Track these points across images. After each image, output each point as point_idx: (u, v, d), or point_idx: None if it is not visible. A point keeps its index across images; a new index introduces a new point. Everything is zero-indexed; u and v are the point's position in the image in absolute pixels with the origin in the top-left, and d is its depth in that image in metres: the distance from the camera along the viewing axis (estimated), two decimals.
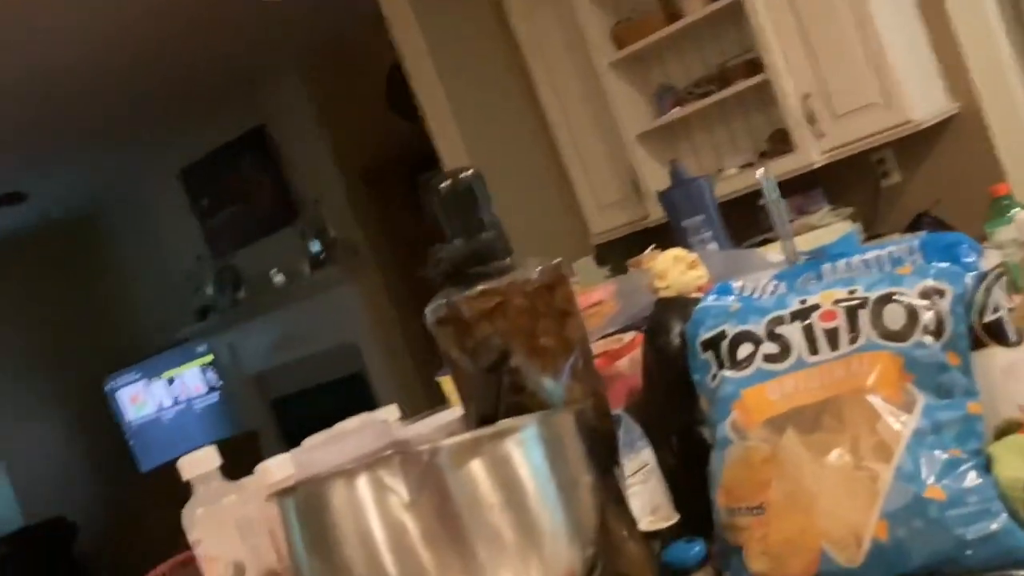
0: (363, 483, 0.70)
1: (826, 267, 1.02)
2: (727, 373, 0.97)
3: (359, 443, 0.90)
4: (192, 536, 0.81)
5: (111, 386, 7.72)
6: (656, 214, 3.47)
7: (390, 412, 1.07)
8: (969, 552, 0.81)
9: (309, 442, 0.93)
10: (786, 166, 3.19)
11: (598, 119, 3.65)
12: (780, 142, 3.31)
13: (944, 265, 0.93)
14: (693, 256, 1.14)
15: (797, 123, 3.14)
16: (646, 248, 1.85)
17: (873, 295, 0.92)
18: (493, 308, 0.88)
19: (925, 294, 0.91)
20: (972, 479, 0.84)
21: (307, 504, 0.72)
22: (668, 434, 1.09)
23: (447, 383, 1.24)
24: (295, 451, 0.90)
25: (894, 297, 0.91)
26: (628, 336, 1.26)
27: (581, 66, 3.63)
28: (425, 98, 3.62)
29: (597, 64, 3.53)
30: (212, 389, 7.31)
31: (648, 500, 1.01)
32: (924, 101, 3.03)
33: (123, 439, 7.71)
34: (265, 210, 6.35)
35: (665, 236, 1.95)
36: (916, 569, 0.82)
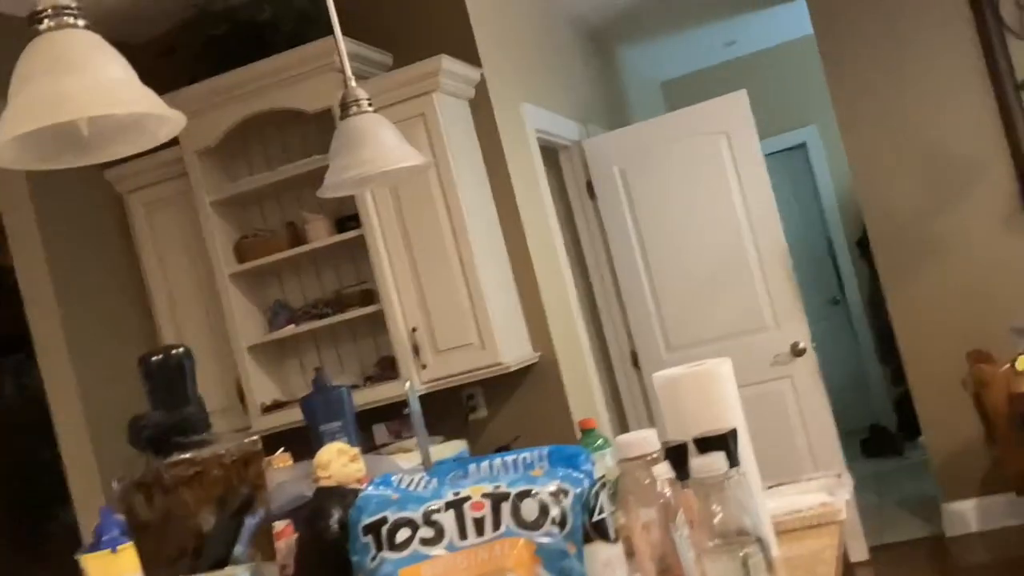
0: None
1: (472, 466, 1.20)
2: (386, 554, 1.09)
3: None
4: None
5: None
6: (260, 425, 3.52)
7: None
8: None
9: None
10: (390, 392, 3.43)
11: (210, 326, 3.68)
12: (386, 368, 3.57)
13: (568, 470, 1.15)
14: (355, 450, 1.27)
15: (403, 353, 3.42)
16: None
17: (514, 491, 1.11)
18: (192, 476, 0.95)
19: (554, 493, 1.11)
20: None
21: None
22: None
23: (91, 560, 1.22)
24: None
25: (530, 494, 1.11)
26: (279, 525, 1.34)
27: (199, 273, 3.69)
28: (26, 280, 3.44)
29: (217, 274, 3.61)
30: None
31: None
32: (513, 347, 3.46)
33: None
34: None
35: (272, 447, 2.04)
36: None
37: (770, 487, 1.71)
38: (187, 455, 0.95)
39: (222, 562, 0.84)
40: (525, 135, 3.94)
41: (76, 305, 3.46)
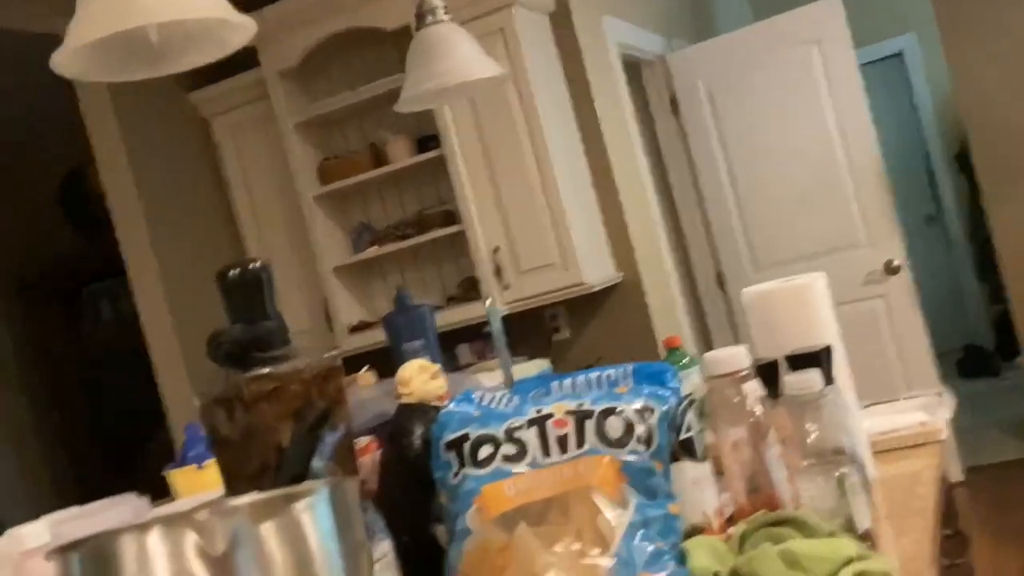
0: (156, 537, 0.72)
1: (554, 384, 1.17)
2: (469, 471, 1.07)
3: (118, 516, 0.89)
4: None
5: None
6: (346, 346, 3.56)
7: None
8: None
9: (58, 516, 0.91)
10: (472, 312, 3.42)
11: (295, 248, 3.72)
12: (469, 289, 3.56)
13: (654, 388, 1.11)
14: (436, 367, 1.25)
15: (486, 274, 3.40)
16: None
17: (598, 408, 1.08)
18: (271, 391, 0.94)
19: (639, 410, 1.07)
20: (672, 568, 0.99)
21: (94, 557, 0.72)
22: (402, 530, 1.16)
23: (178, 475, 1.23)
24: (47, 519, 0.87)
25: (615, 411, 1.07)
26: (362, 441, 1.33)
27: (284, 196, 3.71)
28: (118, 207, 3.51)
29: (301, 196, 3.63)
30: None
31: None
32: (595, 267, 3.41)
33: None
34: None
35: (352, 368, 2.03)
36: None
37: (866, 406, 1.65)
38: (266, 370, 0.93)
39: (300, 476, 0.83)
40: (607, 49, 3.82)
41: (166, 229, 3.52)
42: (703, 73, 4.44)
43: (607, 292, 3.57)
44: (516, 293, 3.41)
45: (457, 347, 3.59)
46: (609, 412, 1.07)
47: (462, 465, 1.08)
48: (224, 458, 0.94)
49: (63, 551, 0.74)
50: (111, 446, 5.35)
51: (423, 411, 1.21)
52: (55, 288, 5.44)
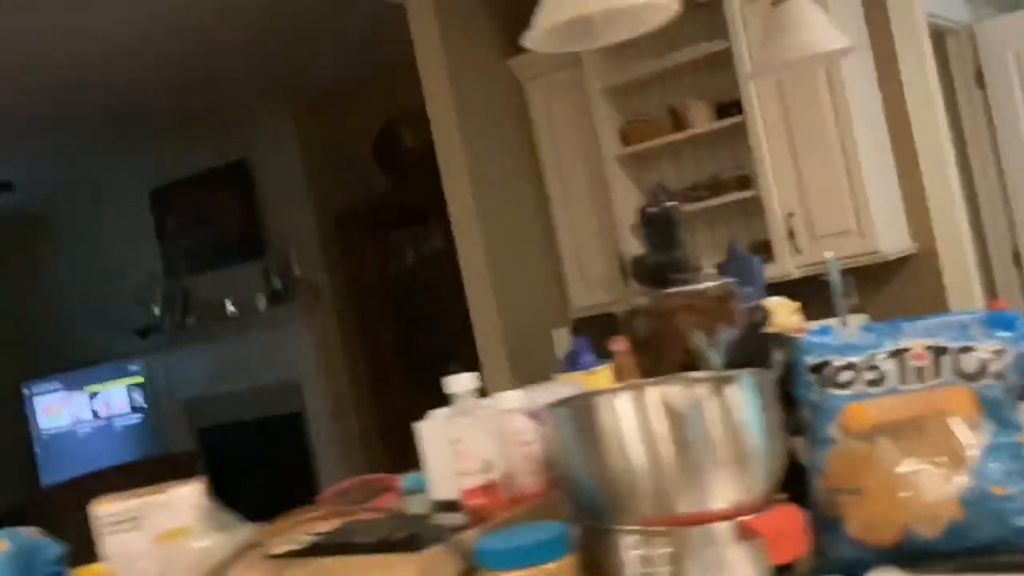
0: (625, 398, 0.95)
1: (906, 325, 1.32)
2: (832, 391, 1.25)
3: (563, 393, 1.13)
4: (451, 435, 1.04)
5: (28, 392, 7.60)
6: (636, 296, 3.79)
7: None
8: (1021, 535, 1.09)
9: (515, 392, 1.17)
10: (766, 273, 3.55)
11: (595, 203, 3.98)
12: (758, 252, 3.68)
13: (1008, 333, 1.23)
14: (796, 304, 1.43)
15: (779, 237, 3.51)
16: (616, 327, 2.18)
17: (955, 345, 1.22)
18: (685, 306, 1.16)
19: (994, 350, 1.21)
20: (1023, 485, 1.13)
21: (579, 412, 0.97)
22: None
23: (567, 379, 1.48)
24: (514, 392, 1.14)
25: (971, 349, 1.21)
26: None
27: (586, 155, 3.98)
28: (444, 155, 3.89)
29: (604, 155, 3.87)
30: (136, 409, 7.27)
31: None
32: (891, 236, 3.44)
33: (30, 448, 7.57)
34: (231, 241, 6.47)
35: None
36: (980, 545, 1.10)
37: None
38: (679, 289, 1.15)
39: (739, 365, 1.03)
40: (914, 17, 3.78)
41: (483, 181, 3.88)
42: (1014, 43, 4.28)
43: (900, 262, 3.59)
44: (807, 258, 3.50)
45: None
46: (966, 349, 1.21)
47: (824, 387, 1.26)
48: (643, 356, 1.17)
49: (553, 407, 1.00)
50: (413, 367, 5.87)
51: (782, 338, 1.39)
52: (368, 227, 6.02)
